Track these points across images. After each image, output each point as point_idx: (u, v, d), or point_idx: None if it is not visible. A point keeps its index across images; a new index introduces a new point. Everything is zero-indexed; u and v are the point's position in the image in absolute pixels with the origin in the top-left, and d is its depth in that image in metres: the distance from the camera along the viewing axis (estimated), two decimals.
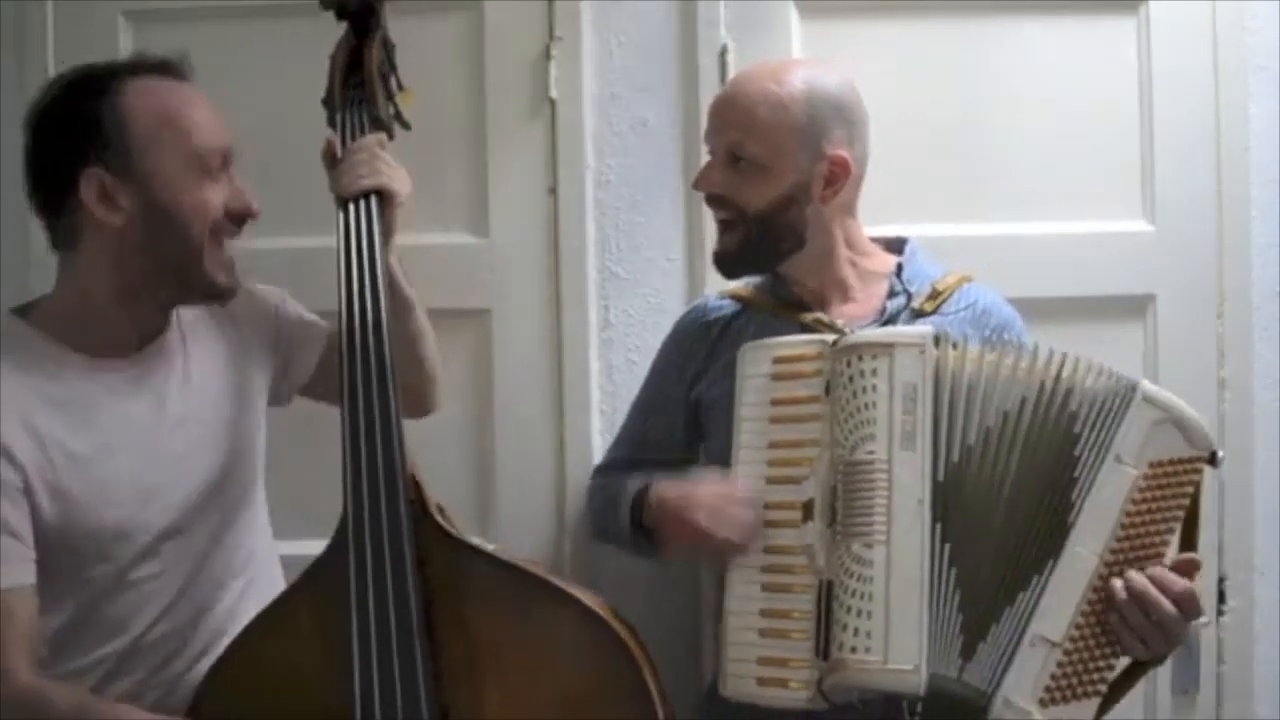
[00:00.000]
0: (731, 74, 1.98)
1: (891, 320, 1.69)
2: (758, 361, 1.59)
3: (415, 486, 1.48)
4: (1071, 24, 2.05)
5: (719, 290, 1.86)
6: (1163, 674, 1.98)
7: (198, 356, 1.61)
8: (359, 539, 1.44)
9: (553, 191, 2.07)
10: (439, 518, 1.48)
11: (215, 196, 1.51)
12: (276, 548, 1.71)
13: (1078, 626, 1.42)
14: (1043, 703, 1.41)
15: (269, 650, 1.47)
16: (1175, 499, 1.45)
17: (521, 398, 2.07)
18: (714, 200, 1.73)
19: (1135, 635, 1.42)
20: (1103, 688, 1.43)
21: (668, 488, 1.66)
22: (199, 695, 1.48)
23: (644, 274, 2.09)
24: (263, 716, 1.45)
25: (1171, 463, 1.45)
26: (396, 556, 1.43)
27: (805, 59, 2.00)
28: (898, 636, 1.41)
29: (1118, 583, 1.42)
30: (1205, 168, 2.04)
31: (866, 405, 1.48)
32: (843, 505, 1.48)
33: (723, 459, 1.61)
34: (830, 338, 1.57)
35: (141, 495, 1.51)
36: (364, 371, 1.50)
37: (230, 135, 1.54)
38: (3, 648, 1.39)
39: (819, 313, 1.71)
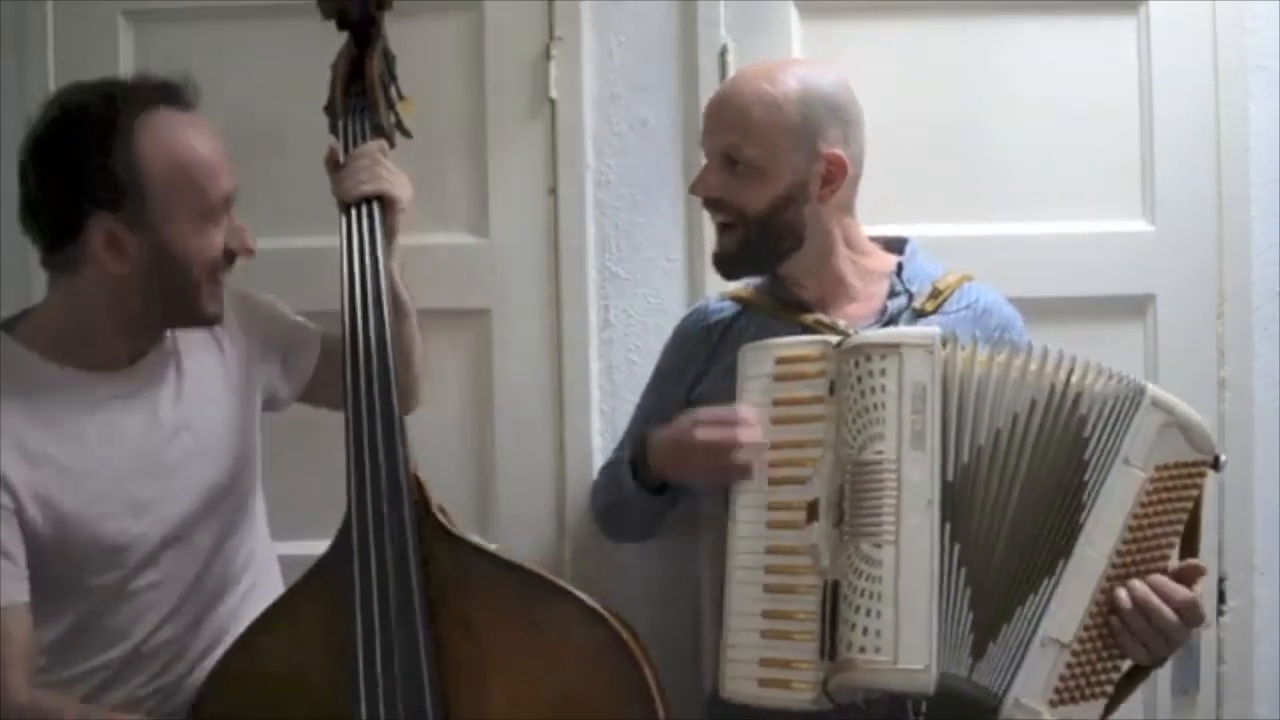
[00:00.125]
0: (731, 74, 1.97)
1: (893, 320, 1.69)
2: (759, 362, 1.59)
3: (418, 486, 1.48)
4: (1071, 24, 2.05)
5: (719, 292, 1.86)
6: (1163, 674, 1.98)
7: (192, 367, 1.60)
8: (363, 538, 1.44)
9: (553, 191, 2.07)
10: (441, 517, 1.49)
11: (218, 238, 1.51)
12: (275, 549, 1.72)
13: (1086, 628, 1.42)
14: (1052, 703, 1.41)
15: (271, 650, 1.47)
16: (1179, 502, 1.45)
17: (521, 398, 2.07)
18: (712, 204, 1.73)
19: (1137, 640, 1.43)
20: (1109, 688, 1.43)
21: (662, 427, 1.67)
22: (200, 695, 1.48)
23: (644, 274, 2.08)
24: (265, 716, 1.45)
25: (1177, 466, 1.45)
26: (400, 556, 1.44)
27: (798, 59, 1.99)
28: (908, 636, 1.40)
29: (1121, 591, 1.42)
30: (1205, 168, 2.03)
31: (875, 405, 1.48)
32: (850, 505, 1.47)
33: None
34: (833, 338, 1.57)
35: (138, 507, 1.50)
36: (366, 374, 1.51)
37: (235, 173, 1.52)
38: (1, 665, 1.38)
39: (819, 313, 1.71)
